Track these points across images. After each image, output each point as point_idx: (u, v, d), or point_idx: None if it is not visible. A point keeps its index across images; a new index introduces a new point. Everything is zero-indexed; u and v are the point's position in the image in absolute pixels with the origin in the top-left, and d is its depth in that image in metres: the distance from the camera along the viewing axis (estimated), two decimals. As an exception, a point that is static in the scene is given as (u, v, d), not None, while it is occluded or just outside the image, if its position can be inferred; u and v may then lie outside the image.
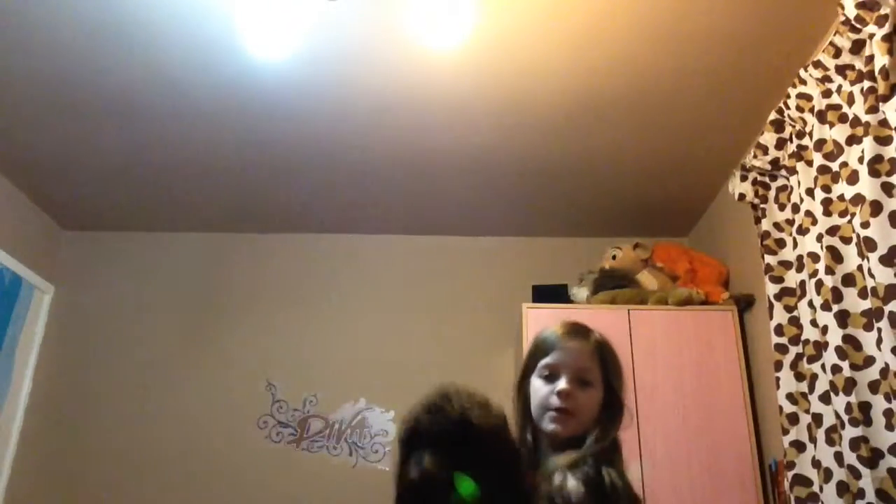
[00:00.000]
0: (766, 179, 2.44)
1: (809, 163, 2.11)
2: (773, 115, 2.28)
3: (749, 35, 2.14)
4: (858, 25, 1.77)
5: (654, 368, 2.71)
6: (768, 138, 2.32)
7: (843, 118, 1.96)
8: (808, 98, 2.09)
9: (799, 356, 2.17)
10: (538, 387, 1.30)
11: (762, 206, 2.46)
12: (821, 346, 1.97)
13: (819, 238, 2.00)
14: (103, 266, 3.48)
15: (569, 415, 1.24)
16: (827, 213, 1.97)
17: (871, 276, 1.69)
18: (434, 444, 1.04)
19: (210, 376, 3.26)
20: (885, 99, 1.72)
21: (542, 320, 2.82)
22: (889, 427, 1.69)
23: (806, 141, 2.16)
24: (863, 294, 1.84)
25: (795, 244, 2.18)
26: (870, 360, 1.79)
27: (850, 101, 1.92)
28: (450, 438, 1.04)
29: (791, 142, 2.24)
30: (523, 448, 1.28)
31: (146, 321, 3.36)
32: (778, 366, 2.22)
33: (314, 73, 2.36)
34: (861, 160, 1.80)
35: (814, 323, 2.03)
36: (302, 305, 3.40)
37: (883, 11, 1.71)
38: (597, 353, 1.31)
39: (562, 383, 1.25)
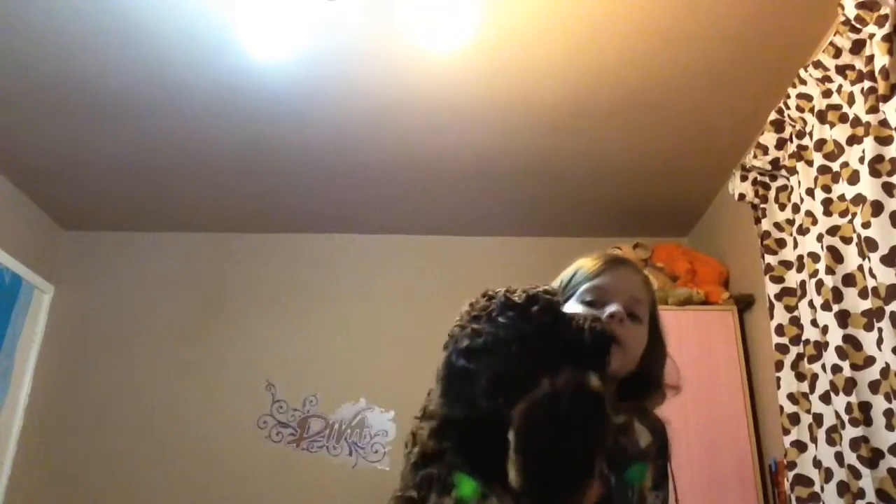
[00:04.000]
0: (766, 179, 2.44)
1: (810, 163, 2.11)
2: (773, 115, 2.28)
3: (749, 35, 2.14)
4: (858, 25, 1.77)
5: (655, 368, 2.71)
6: (768, 138, 2.32)
7: (843, 118, 1.96)
8: (809, 98, 2.09)
9: (799, 356, 2.17)
10: (574, 308, 1.10)
11: (762, 206, 2.46)
12: (821, 346, 1.97)
13: (819, 238, 2.00)
14: (103, 266, 3.47)
15: (618, 344, 1.04)
16: (827, 213, 1.97)
17: (873, 276, 1.69)
18: None
19: (210, 376, 3.26)
20: (886, 99, 1.72)
21: (542, 320, 2.84)
22: (889, 427, 1.69)
23: (806, 141, 2.16)
24: (863, 294, 1.84)
25: (796, 244, 2.18)
26: (870, 360, 1.79)
27: (851, 101, 1.92)
28: None
29: (791, 142, 2.24)
30: None
31: (146, 321, 3.36)
32: (779, 366, 2.22)
33: (314, 74, 2.35)
34: (862, 160, 1.80)
35: (814, 323, 2.03)
36: (302, 305, 3.40)
37: (883, 11, 1.70)
38: (647, 285, 1.17)
39: (613, 306, 1.07)
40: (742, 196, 2.54)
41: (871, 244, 1.70)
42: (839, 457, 1.86)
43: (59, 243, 3.49)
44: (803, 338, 2.12)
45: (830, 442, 1.92)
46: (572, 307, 1.12)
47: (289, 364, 3.29)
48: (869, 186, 1.72)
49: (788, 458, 2.12)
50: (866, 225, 1.71)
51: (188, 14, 2.10)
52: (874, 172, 1.71)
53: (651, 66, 2.29)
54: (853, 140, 1.90)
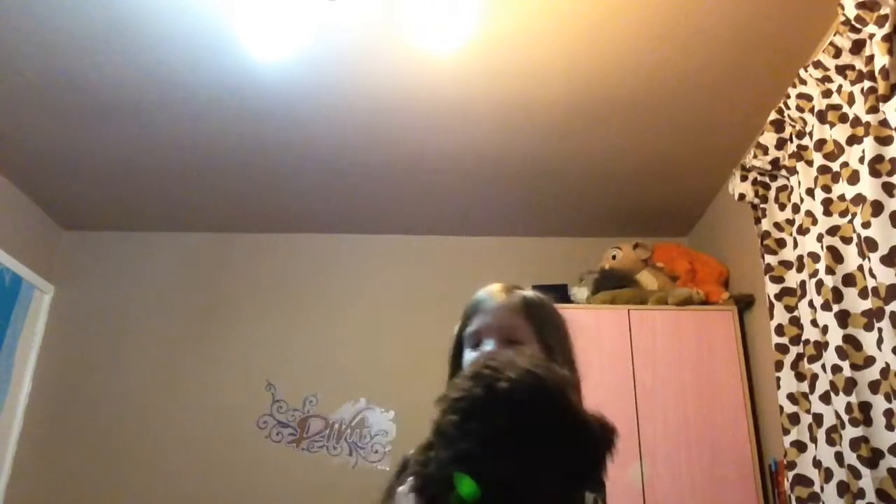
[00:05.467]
0: (766, 179, 2.44)
1: (809, 163, 2.11)
2: (773, 115, 2.28)
3: (749, 35, 2.14)
4: (858, 25, 1.77)
5: (654, 368, 2.71)
6: (768, 138, 2.32)
7: (843, 118, 1.96)
8: (809, 98, 2.09)
9: (799, 356, 2.17)
10: (468, 359, 1.16)
11: (762, 206, 2.46)
12: (821, 346, 1.97)
13: (819, 238, 2.00)
14: (103, 266, 3.47)
15: None
16: (827, 213, 1.97)
17: (872, 276, 1.69)
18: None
19: (210, 376, 3.25)
20: (886, 99, 1.72)
21: (542, 320, 2.85)
22: (889, 427, 1.69)
23: (806, 141, 2.16)
24: (863, 294, 1.84)
25: (796, 244, 2.18)
26: (870, 360, 1.79)
27: (851, 101, 1.92)
28: None
29: (791, 142, 2.24)
30: None
31: (146, 321, 3.36)
32: (778, 366, 2.22)
33: (314, 74, 2.35)
34: (862, 160, 1.80)
35: (814, 323, 2.03)
36: (302, 305, 3.40)
37: (883, 11, 1.71)
38: (522, 308, 1.18)
39: (488, 346, 1.13)
40: (742, 196, 2.54)
41: (871, 244, 1.70)
42: (839, 457, 1.86)
43: (59, 243, 3.49)
44: (803, 338, 2.12)
45: (830, 442, 1.92)
46: (466, 355, 1.17)
47: (289, 364, 3.29)
48: (869, 186, 1.72)
49: (788, 458, 2.12)
50: (866, 225, 1.71)
51: (188, 14, 2.10)
52: (874, 172, 1.71)
53: (651, 67, 2.29)
54: (853, 140, 1.90)
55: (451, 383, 0.85)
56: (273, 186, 3.10)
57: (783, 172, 2.34)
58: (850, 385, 1.79)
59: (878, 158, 1.72)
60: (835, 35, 1.88)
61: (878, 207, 1.70)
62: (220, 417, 3.18)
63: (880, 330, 1.68)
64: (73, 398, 3.21)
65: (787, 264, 2.30)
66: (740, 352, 2.73)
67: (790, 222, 2.28)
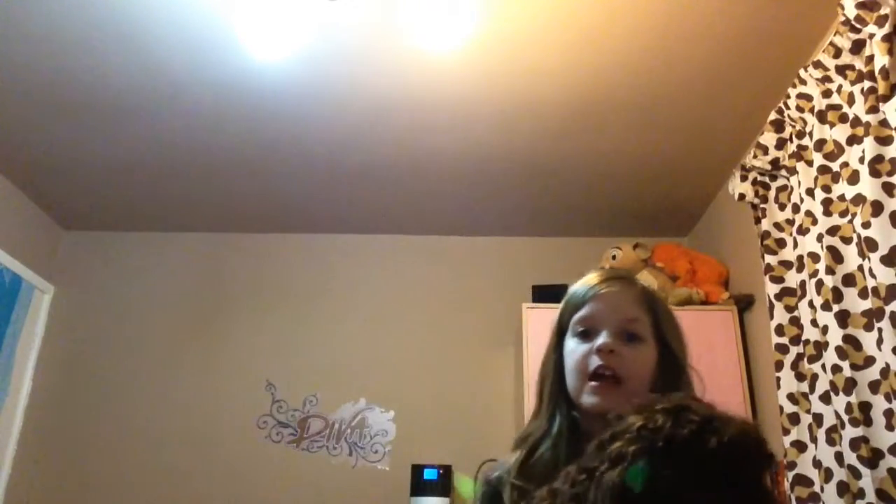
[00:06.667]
0: (766, 179, 2.44)
1: (809, 163, 2.11)
2: (773, 115, 2.28)
3: (749, 35, 2.14)
4: (858, 25, 1.77)
5: (655, 368, 2.71)
6: (768, 138, 2.32)
7: (843, 118, 1.96)
8: (809, 98, 2.09)
9: (799, 356, 2.16)
10: (572, 348, 1.02)
11: (762, 206, 2.46)
12: (821, 346, 1.97)
13: (819, 238, 2.00)
14: (103, 266, 3.48)
15: (614, 380, 0.96)
16: (827, 213, 1.97)
17: (872, 276, 1.69)
18: None
19: (210, 376, 3.26)
20: (886, 99, 1.72)
21: (542, 320, 2.83)
22: (889, 427, 1.68)
23: (806, 141, 2.16)
24: (863, 294, 1.83)
25: (796, 244, 2.18)
26: (870, 360, 1.78)
27: (851, 101, 1.92)
28: None
29: (791, 142, 2.24)
30: (557, 441, 0.97)
31: (146, 321, 3.36)
32: (778, 366, 2.22)
33: (314, 74, 2.35)
34: (862, 160, 1.80)
35: (814, 323, 2.03)
36: (302, 305, 3.40)
37: (883, 11, 1.70)
38: (644, 299, 1.05)
39: (602, 337, 0.99)
40: (742, 196, 2.54)
41: (871, 244, 1.69)
42: (839, 457, 1.85)
43: (59, 243, 3.49)
44: (803, 338, 2.12)
45: (830, 442, 1.92)
46: (568, 343, 1.05)
47: (289, 364, 3.29)
48: (869, 186, 1.72)
49: (788, 458, 2.12)
50: (866, 225, 1.71)
51: (188, 14, 2.10)
52: (874, 172, 1.71)
53: (651, 66, 2.29)
54: (853, 140, 1.89)
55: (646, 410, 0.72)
56: (273, 186, 3.11)
57: (783, 172, 2.34)
58: (850, 385, 1.79)
59: (878, 158, 1.72)
60: (835, 35, 1.88)
61: (878, 207, 1.69)
62: (220, 417, 3.18)
63: (880, 330, 1.68)
64: (72, 398, 3.21)
65: (787, 264, 2.30)
66: (740, 352, 2.73)
67: (790, 222, 2.28)
